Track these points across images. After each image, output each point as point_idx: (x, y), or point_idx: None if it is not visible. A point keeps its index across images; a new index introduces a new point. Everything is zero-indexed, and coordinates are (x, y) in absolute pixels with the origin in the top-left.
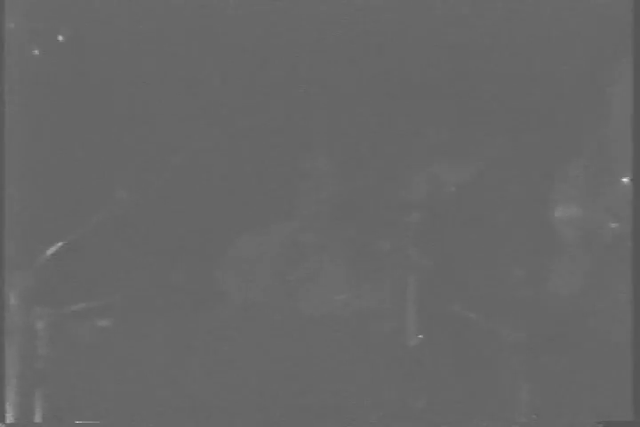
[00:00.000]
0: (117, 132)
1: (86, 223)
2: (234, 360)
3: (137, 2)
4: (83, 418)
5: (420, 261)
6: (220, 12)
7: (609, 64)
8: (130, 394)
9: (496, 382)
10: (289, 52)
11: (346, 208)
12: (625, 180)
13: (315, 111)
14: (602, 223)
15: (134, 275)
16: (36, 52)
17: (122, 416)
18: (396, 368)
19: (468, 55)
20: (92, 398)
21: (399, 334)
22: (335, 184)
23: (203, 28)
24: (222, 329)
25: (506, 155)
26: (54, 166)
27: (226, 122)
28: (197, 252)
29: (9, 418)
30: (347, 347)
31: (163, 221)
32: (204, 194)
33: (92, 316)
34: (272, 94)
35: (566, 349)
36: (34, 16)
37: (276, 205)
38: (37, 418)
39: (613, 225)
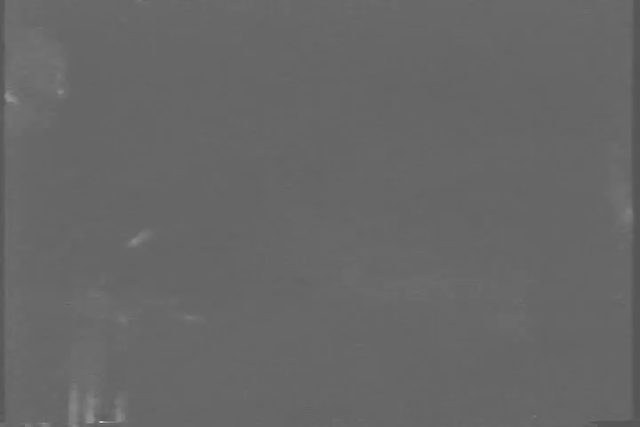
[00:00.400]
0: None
1: (170, 215)
2: (329, 355)
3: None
4: (168, 420)
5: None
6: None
7: (609, 64)
8: (216, 393)
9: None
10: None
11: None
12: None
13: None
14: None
15: (219, 267)
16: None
17: (206, 417)
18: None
19: (470, 54)
20: (178, 398)
21: (508, 326)
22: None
23: (207, 26)
24: (314, 321)
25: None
26: (142, 156)
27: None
28: (280, 243)
29: (89, 419)
30: (449, 339)
31: (246, 216)
32: (284, 188)
33: (181, 310)
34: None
35: (566, 348)
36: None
37: (355, 195)
38: (119, 419)
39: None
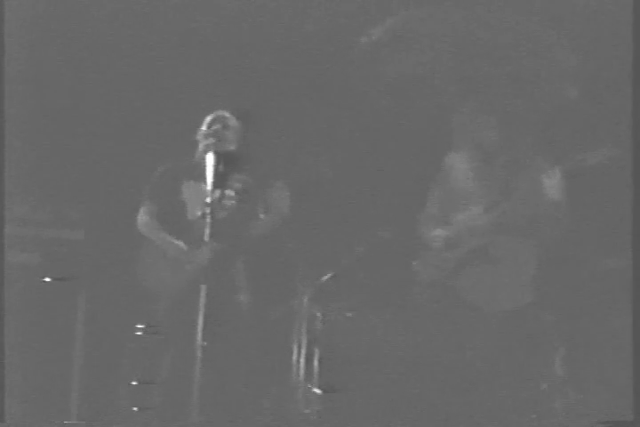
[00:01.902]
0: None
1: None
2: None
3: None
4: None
5: None
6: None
7: (608, 65)
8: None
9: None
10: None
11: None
12: None
13: None
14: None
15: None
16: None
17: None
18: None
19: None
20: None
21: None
22: None
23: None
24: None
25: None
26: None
27: None
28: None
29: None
30: None
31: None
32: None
33: (344, 310)
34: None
35: (566, 349)
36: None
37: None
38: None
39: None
